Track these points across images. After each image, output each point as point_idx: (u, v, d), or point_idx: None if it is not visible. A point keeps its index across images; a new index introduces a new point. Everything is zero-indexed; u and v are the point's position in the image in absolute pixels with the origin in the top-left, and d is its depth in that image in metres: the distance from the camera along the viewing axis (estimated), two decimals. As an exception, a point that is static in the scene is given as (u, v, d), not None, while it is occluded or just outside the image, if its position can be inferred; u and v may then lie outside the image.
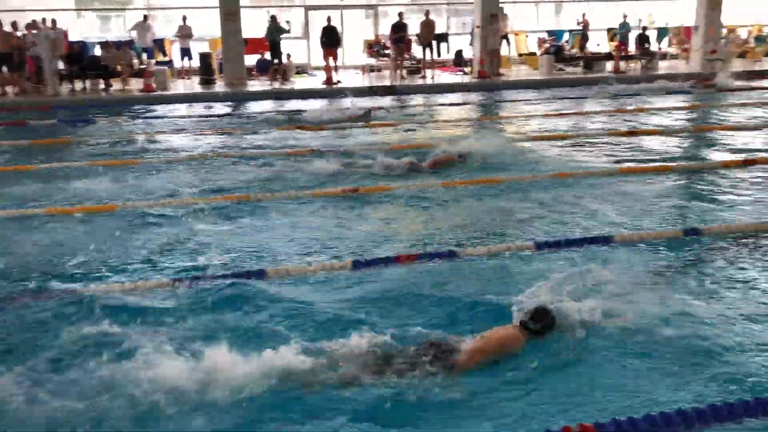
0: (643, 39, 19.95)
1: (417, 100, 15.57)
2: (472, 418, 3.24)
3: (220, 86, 17.38)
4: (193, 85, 17.76)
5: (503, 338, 3.74)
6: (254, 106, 14.98)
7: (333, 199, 7.12)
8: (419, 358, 3.55)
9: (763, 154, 8.87)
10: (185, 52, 18.74)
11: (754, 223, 6.02)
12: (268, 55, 18.42)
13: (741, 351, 3.75)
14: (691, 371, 3.55)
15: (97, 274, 5.11)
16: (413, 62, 19.52)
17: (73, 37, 18.43)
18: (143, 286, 4.77)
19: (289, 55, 18.65)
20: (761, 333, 3.94)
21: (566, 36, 21.39)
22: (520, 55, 21.33)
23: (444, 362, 3.53)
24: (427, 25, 18.72)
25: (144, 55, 18.24)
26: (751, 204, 6.70)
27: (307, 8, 21.21)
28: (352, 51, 20.89)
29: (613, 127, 11.29)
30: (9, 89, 16.15)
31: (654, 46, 20.81)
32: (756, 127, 11.05)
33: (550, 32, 21.79)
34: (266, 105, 15.20)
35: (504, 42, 19.59)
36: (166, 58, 19.19)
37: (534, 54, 20.80)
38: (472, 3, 19.52)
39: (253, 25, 18.84)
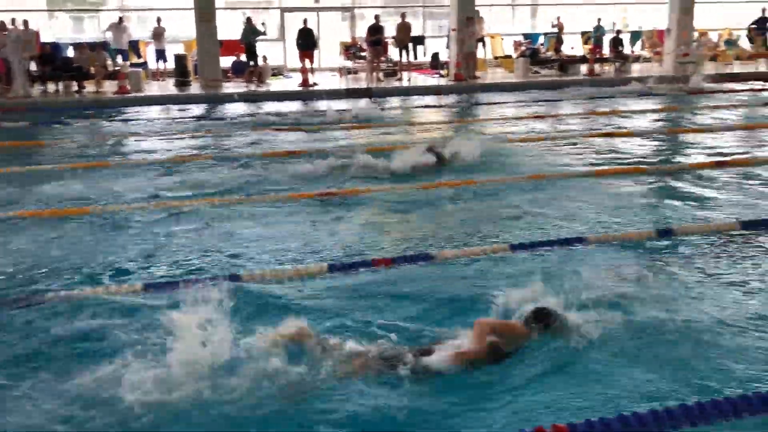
0: (616, 42, 20.19)
1: (393, 102, 15.58)
2: (465, 415, 3.25)
3: (195, 88, 17.26)
4: (168, 87, 17.60)
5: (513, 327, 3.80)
6: (230, 108, 14.90)
7: (311, 201, 7.10)
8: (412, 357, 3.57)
9: (734, 156, 9.02)
10: (160, 54, 18.59)
11: (725, 222, 6.11)
12: (243, 57, 18.33)
13: (720, 349, 3.80)
14: (671, 370, 3.60)
15: (68, 279, 5.03)
16: (390, 65, 19.55)
17: (45, 38, 18.17)
18: (116, 291, 4.70)
19: (265, 57, 18.57)
20: (740, 331, 3.98)
21: (541, 39, 21.57)
22: (496, 57, 21.46)
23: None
24: (404, 28, 18.77)
25: (119, 57, 18.05)
26: (723, 204, 6.80)
27: (283, 10, 21.15)
28: (329, 53, 20.87)
29: (587, 130, 11.40)
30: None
31: (627, 50, 21.07)
32: (727, 129, 11.23)
33: (525, 35, 21.96)
34: (242, 107, 15.12)
35: (480, 45, 19.69)
36: (141, 60, 19.01)
37: (510, 57, 20.94)
38: (448, 6, 19.61)
39: (228, 26, 18.74)
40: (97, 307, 4.43)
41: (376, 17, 18.61)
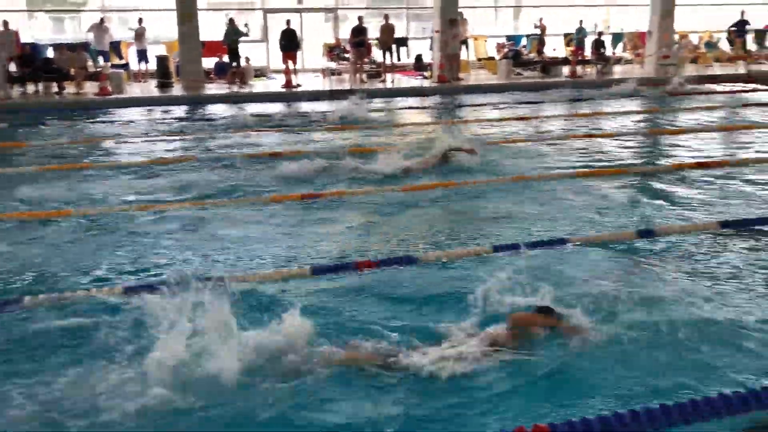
0: (598, 44, 20.33)
1: (377, 103, 15.56)
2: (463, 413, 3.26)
3: (177, 89, 17.15)
4: (150, 88, 17.48)
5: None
6: (212, 110, 14.82)
7: (295, 204, 7.08)
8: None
9: (715, 157, 9.11)
10: (142, 55, 18.45)
11: (705, 223, 6.16)
12: (226, 58, 18.24)
13: (702, 349, 3.83)
14: (650, 370, 3.63)
15: (48, 282, 4.99)
16: (373, 66, 19.56)
17: (25, 38, 17.98)
18: (96, 294, 4.66)
19: (247, 59, 18.50)
20: (722, 330, 4.02)
21: (524, 41, 21.67)
22: (479, 59, 21.54)
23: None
24: (387, 29, 18.77)
25: (100, 58, 17.89)
26: (704, 205, 6.87)
27: (266, 11, 21.08)
28: (312, 55, 20.83)
29: (569, 131, 11.47)
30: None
31: (609, 51, 21.23)
32: (708, 130, 11.35)
33: (508, 37, 22.04)
34: (225, 108, 15.05)
35: (463, 46, 19.75)
36: (123, 61, 18.86)
37: (493, 58, 21.01)
38: (431, 8, 19.64)
39: (211, 27, 18.64)
40: (76, 310, 4.40)
41: (360, 19, 18.61)
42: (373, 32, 19.06)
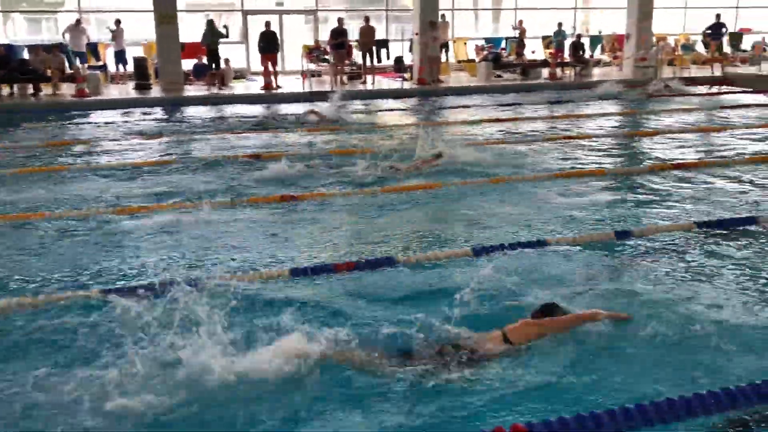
0: (577, 47, 20.48)
1: (357, 105, 15.54)
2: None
3: (156, 91, 17.01)
4: (128, 90, 17.33)
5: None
6: (191, 112, 14.72)
7: (274, 205, 7.05)
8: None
9: (691, 158, 9.21)
10: (120, 57, 18.28)
11: (682, 224, 6.22)
12: (205, 60, 18.12)
13: (680, 349, 3.85)
14: (631, 370, 3.65)
15: (22, 285, 4.91)
16: (353, 68, 19.54)
17: (0, 40, 17.73)
18: (72, 297, 4.59)
19: (227, 60, 18.40)
20: (702, 330, 4.02)
21: (503, 43, 21.78)
22: (459, 61, 21.61)
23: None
24: (367, 31, 18.77)
25: (77, 60, 17.70)
26: (681, 206, 6.93)
27: (246, 12, 20.99)
28: (292, 56, 20.78)
29: (548, 133, 11.53)
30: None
31: (588, 54, 21.40)
32: (684, 132, 11.47)
33: (487, 40, 22.15)
34: (204, 110, 14.94)
35: (443, 49, 19.81)
36: (100, 63, 18.67)
37: (473, 61, 21.10)
38: (412, 10, 19.67)
39: (190, 29, 18.52)
40: (53, 314, 4.34)
41: (340, 20, 18.59)
42: (354, 34, 19.04)
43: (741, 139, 10.81)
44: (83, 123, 13.28)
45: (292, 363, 3.58)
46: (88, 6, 20.84)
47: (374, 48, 19.24)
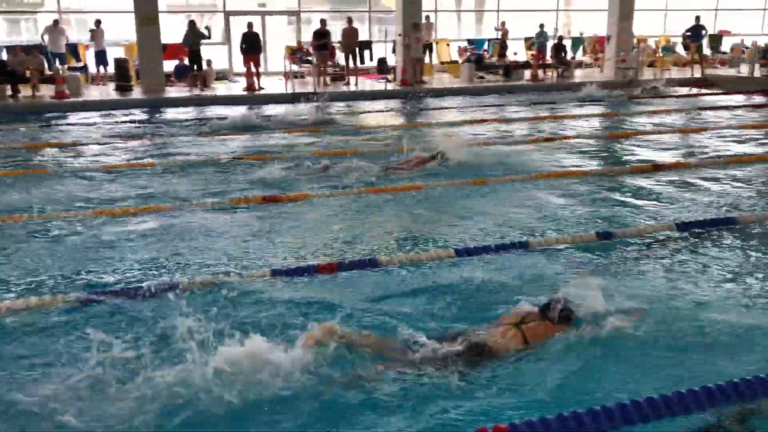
0: (559, 48, 20.59)
1: (339, 106, 15.51)
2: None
3: (137, 93, 16.88)
4: (109, 91, 17.17)
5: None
6: (173, 113, 14.62)
7: (257, 206, 7.01)
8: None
9: (672, 160, 9.28)
10: (101, 58, 18.11)
11: (662, 225, 6.26)
12: (187, 61, 18.01)
13: (664, 349, 3.87)
14: (614, 369, 3.67)
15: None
16: (337, 69, 19.51)
17: (-23, 40, 17.53)
18: (52, 301, 4.54)
19: (209, 62, 18.30)
20: (685, 329, 4.06)
21: (486, 45, 21.86)
22: (442, 63, 21.65)
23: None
24: (350, 33, 18.75)
25: (56, 61, 17.51)
26: (660, 207, 6.98)
27: (228, 13, 20.89)
28: (275, 57, 20.71)
29: (530, 134, 11.58)
30: None
31: (570, 56, 21.53)
32: (663, 133, 11.57)
33: (470, 41, 22.22)
34: (186, 112, 14.85)
35: (427, 50, 19.84)
36: (80, 64, 18.50)
37: (456, 62, 21.15)
38: (394, 11, 19.69)
39: (172, 30, 18.40)
40: (31, 319, 4.28)
41: (322, 21, 18.55)
42: (337, 35, 19.00)
43: (720, 140, 10.93)
44: (63, 125, 13.14)
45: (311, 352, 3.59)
46: (67, 6, 20.64)
47: (357, 49, 19.23)
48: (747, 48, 22.65)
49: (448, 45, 22.15)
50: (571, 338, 3.88)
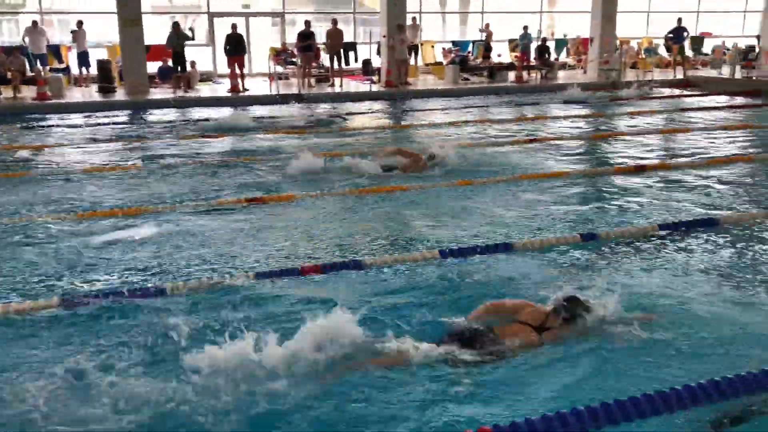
0: (543, 50, 20.69)
1: (325, 107, 15.49)
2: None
3: (120, 94, 16.76)
4: (92, 93, 17.03)
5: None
6: (156, 115, 14.53)
7: (240, 207, 6.98)
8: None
9: (654, 161, 9.35)
10: (83, 59, 17.96)
11: (645, 226, 6.30)
12: (171, 63, 17.90)
13: (649, 350, 3.89)
14: (599, 369, 3.69)
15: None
16: (321, 71, 19.49)
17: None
18: (30, 307, 4.49)
19: (193, 63, 18.20)
20: (670, 330, 4.09)
21: (470, 47, 21.92)
22: (427, 64, 21.69)
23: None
24: (335, 34, 18.74)
25: (37, 62, 17.34)
26: (643, 208, 7.02)
27: (212, 15, 20.80)
28: (260, 59, 20.64)
29: (513, 135, 11.62)
30: None
31: (553, 57, 21.64)
32: (646, 134, 11.66)
33: (454, 42, 22.28)
34: (169, 114, 14.76)
35: (413, 52, 19.87)
36: (63, 65, 18.33)
37: (441, 64, 21.19)
38: (379, 13, 19.69)
39: (155, 31, 18.28)
40: (8, 324, 4.24)
41: (307, 23, 18.52)
42: (321, 37, 18.97)
43: (702, 140, 11.03)
44: (44, 126, 13.01)
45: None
46: (49, 7, 20.47)
47: (342, 51, 19.22)
48: (728, 50, 22.88)
49: (432, 47, 22.19)
50: (576, 339, 3.91)
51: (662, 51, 23.59)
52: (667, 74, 21.03)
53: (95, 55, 17.88)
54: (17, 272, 5.22)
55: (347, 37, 20.22)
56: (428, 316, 4.25)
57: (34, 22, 17.66)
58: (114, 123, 13.41)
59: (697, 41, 24.09)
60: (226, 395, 3.34)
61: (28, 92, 16.14)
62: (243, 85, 17.36)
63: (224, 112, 14.69)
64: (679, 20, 21.35)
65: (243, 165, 9.01)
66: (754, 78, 19.67)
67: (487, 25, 22.05)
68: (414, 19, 20.21)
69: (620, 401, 2.95)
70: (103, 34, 19.01)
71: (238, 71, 17.29)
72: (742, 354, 3.84)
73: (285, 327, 3.95)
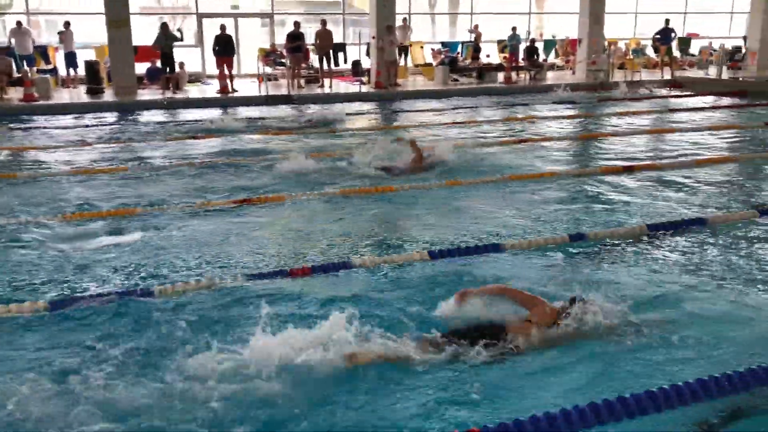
0: (531, 51, 20.76)
1: (314, 109, 15.47)
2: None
3: (108, 95, 16.68)
4: (80, 94, 16.94)
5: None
6: (144, 116, 14.47)
7: (229, 209, 6.97)
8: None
9: (642, 161, 9.40)
10: (71, 60, 17.84)
11: (633, 226, 6.34)
12: (159, 64, 17.82)
13: (637, 350, 3.90)
14: (591, 368, 3.70)
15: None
16: (311, 71, 19.47)
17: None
18: (19, 310, 4.46)
19: (182, 64, 18.14)
20: (660, 330, 4.10)
21: (459, 48, 21.96)
22: (417, 65, 21.71)
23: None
24: (325, 35, 18.72)
25: (24, 63, 17.21)
26: (631, 208, 7.06)
27: (201, 15, 20.73)
28: (249, 60, 20.59)
29: (503, 136, 11.65)
30: None
31: (542, 58, 21.72)
32: (634, 135, 11.73)
33: (443, 43, 22.32)
34: (158, 115, 14.71)
35: (403, 53, 19.89)
36: (50, 66, 18.21)
37: (430, 65, 21.22)
38: (368, 14, 19.69)
39: (144, 32, 18.20)
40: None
41: (296, 24, 18.49)
42: (310, 38, 18.95)
43: (690, 140, 11.09)
44: (31, 128, 12.93)
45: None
46: (36, 8, 20.33)
47: (331, 51, 19.21)
48: (715, 51, 23.05)
49: (421, 48, 22.21)
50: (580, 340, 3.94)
51: (650, 52, 23.75)
52: (655, 75, 21.16)
53: (83, 56, 17.78)
54: (4, 274, 5.18)
55: (337, 38, 20.22)
56: (416, 316, 4.25)
57: (19, 23, 17.52)
58: (102, 124, 13.34)
59: (685, 42, 24.26)
60: (218, 398, 3.33)
61: (15, 93, 16.03)
62: (232, 86, 17.32)
63: (213, 113, 14.65)
64: (667, 21, 21.48)
65: (232, 166, 8.99)
66: (740, 78, 19.84)
67: (476, 26, 22.10)
68: (404, 20, 20.22)
69: (609, 401, 2.97)
70: (91, 35, 18.89)
71: (227, 72, 17.24)
72: (733, 352, 3.86)
73: (277, 328, 3.94)
